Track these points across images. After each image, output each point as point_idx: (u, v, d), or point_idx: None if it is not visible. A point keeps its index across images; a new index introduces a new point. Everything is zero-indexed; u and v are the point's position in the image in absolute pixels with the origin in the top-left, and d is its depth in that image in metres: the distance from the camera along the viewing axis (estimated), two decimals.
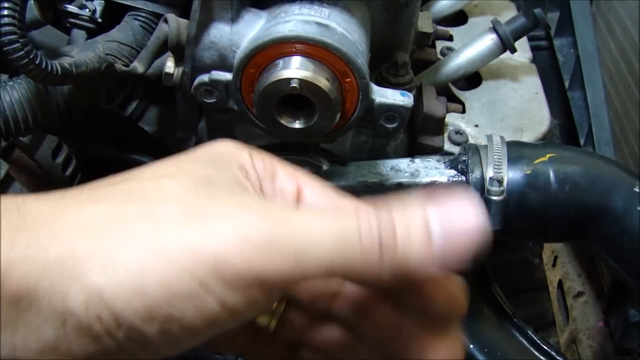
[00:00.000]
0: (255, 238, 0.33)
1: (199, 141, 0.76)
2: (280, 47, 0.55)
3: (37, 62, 0.57)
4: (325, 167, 0.69)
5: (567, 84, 1.24)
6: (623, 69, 1.16)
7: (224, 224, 0.33)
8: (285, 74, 0.54)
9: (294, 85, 0.53)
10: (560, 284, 1.37)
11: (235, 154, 0.39)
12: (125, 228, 0.32)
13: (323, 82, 0.53)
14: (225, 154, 0.39)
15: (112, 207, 0.33)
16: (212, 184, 0.36)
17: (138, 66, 0.69)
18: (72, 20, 0.74)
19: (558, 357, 0.81)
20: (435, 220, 0.34)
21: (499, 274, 0.93)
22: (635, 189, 0.65)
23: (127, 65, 0.70)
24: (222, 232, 0.33)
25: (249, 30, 0.59)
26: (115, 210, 0.33)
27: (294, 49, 0.55)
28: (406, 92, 0.59)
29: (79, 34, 0.74)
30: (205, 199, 0.34)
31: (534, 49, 1.02)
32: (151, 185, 0.35)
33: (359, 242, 0.34)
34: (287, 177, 0.41)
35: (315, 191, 0.40)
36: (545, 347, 0.82)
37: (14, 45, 0.55)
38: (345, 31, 0.56)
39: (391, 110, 0.58)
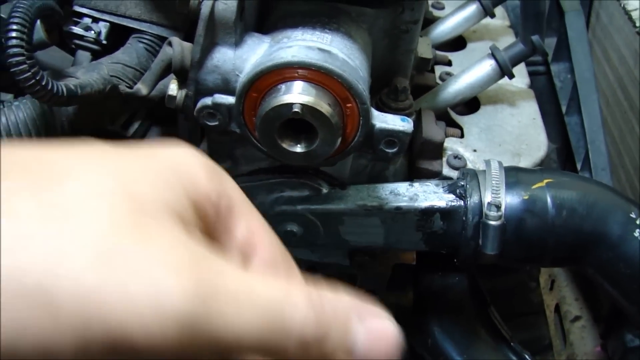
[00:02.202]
0: (173, 318, 0.27)
1: None
2: (282, 72, 0.56)
3: (44, 83, 0.58)
4: (324, 190, 0.69)
5: (564, 108, 1.26)
6: (619, 95, 1.17)
7: (140, 287, 0.27)
8: (288, 98, 0.54)
9: (296, 110, 0.54)
10: (557, 308, 1.37)
11: (192, 175, 0.33)
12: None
13: (325, 108, 0.54)
14: (180, 170, 0.33)
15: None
16: (147, 213, 0.30)
17: (142, 88, 0.70)
18: (77, 41, 0.75)
19: None
20: (361, 334, 0.33)
21: (496, 297, 0.93)
22: (631, 215, 0.65)
23: (130, 87, 0.71)
24: (134, 300, 0.27)
25: (252, 55, 0.60)
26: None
27: (296, 74, 0.55)
28: (406, 117, 0.59)
29: (83, 56, 0.75)
30: (129, 238, 0.28)
31: (531, 74, 1.03)
32: (75, 200, 0.29)
33: (289, 339, 0.30)
34: (245, 225, 0.36)
35: (267, 255, 0.36)
36: None
37: (22, 67, 0.56)
38: (347, 57, 0.57)
39: (391, 135, 0.59)
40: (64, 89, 0.60)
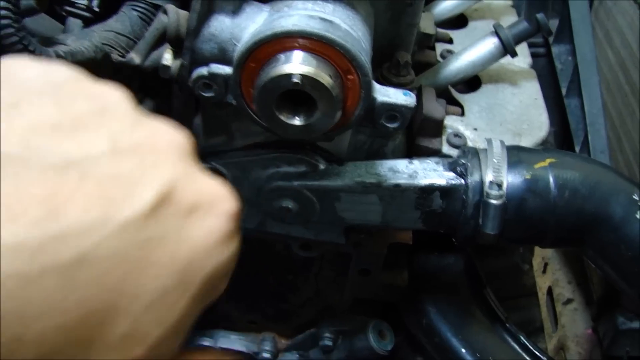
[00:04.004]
0: None
1: (194, 137, 0.75)
2: (282, 42, 0.54)
3: (32, 49, 0.56)
4: (321, 166, 0.68)
5: (564, 91, 1.24)
6: (620, 79, 1.16)
7: None
8: (288, 69, 0.52)
9: (295, 80, 0.52)
10: (550, 291, 1.37)
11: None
12: None
13: (325, 79, 0.52)
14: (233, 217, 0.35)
15: None
16: None
17: (135, 57, 0.67)
18: (68, 8, 0.72)
19: None
20: None
21: (489, 279, 0.93)
22: (634, 197, 0.64)
23: (123, 56, 0.69)
24: None
25: (250, 24, 0.58)
26: None
27: (296, 44, 0.54)
28: (409, 91, 0.58)
29: (74, 23, 0.73)
30: None
31: (531, 55, 1.02)
32: None
33: None
34: None
35: None
36: (537, 353, 0.82)
37: (8, 31, 0.54)
38: (349, 28, 0.55)
39: (393, 109, 0.57)
40: (54, 56, 0.57)
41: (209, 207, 0.33)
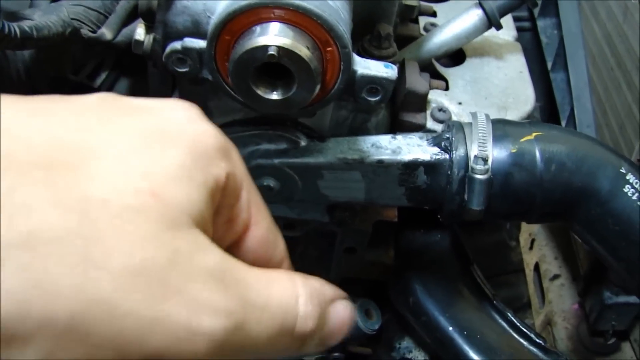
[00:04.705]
0: (205, 338, 0.28)
1: None
2: (257, 13, 0.51)
3: None
4: (303, 143, 0.66)
5: (550, 65, 1.23)
6: (606, 52, 1.15)
7: (174, 308, 0.28)
8: (263, 40, 0.50)
9: (271, 52, 0.50)
10: (537, 267, 1.37)
11: (210, 159, 0.32)
12: None
13: (303, 51, 0.50)
14: (199, 154, 0.31)
15: None
16: (174, 222, 0.29)
17: (106, 32, 0.65)
18: None
19: (538, 340, 0.80)
20: (332, 319, 0.37)
21: (476, 256, 0.92)
22: (621, 170, 0.63)
23: (94, 32, 0.66)
24: (167, 323, 0.27)
25: None
26: None
27: (272, 15, 0.51)
28: (390, 64, 0.56)
29: None
30: (159, 254, 0.28)
31: (517, 30, 1.00)
32: (97, 206, 0.27)
33: (294, 333, 0.34)
34: (245, 204, 0.36)
35: (260, 234, 0.37)
36: (525, 330, 0.81)
37: None
38: None
39: (374, 82, 0.55)
40: (17, 31, 0.55)
41: None
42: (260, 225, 0.37)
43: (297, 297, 0.34)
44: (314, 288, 0.36)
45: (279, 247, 0.39)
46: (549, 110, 1.33)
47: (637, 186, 0.63)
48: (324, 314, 0.36)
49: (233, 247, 0.37)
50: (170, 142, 0.31)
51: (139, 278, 0.27)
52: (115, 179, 0.28)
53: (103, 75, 0.79)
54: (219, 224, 0.34)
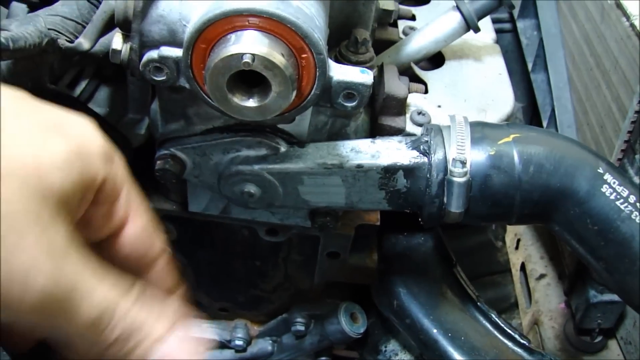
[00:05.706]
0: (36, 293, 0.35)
1: (151, 123, 0.72)
2: (232, 21, 0.52)
3: None
4: (282, 149, 0.66)
5: (530, 66, 1.24)
6: (585, 52, 1.16)
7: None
8: (237, 49, 0.50)
9: (246, 60, 0.50)
10: (523, 267, 1.38)
11: (92, 160, 0.39)
12: None
13: (278, 58, 0.50)
14: (84, 154, 0.38)
15: None
16: (47, 205, 0.36)
17: (83, 42, 0.65)
18: None
19: (522, 340, 0.81)
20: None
21: (462, 257, 0.92)
22: (599, 170, 0.63)
23: (71, 42, 0.66)
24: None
25: (199, 3, 0.55)
26: None
27: (247, 23, 0.51)
28: (366, 69, 0.56)
29: (19, 8, 0.69)
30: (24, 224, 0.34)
31: (497, 31, 1.01)
32: None
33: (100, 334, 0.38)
34: (124, 203, 0.43)
35: (135, 230, 0.43)
36: (509, 331, 0.82)
37: None
38: (301, 4, 0.53)
39: (350, 88, 0.55)
40: None
41: None
42: (136, 222, 0.44)
43: (117, 304, 0.38)
44: (147, 299, 0.40)
45: (156, 244, 0.45)
46: (531, 110, 1.34)
47: (614, 186, 0.63)
48: (141, 336, 0.39)
49: (112, 237, 0.43)
50: (63, 138, 0.38)
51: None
52: (9, 151, 0.35)
53: (83, 84, 0.78)
54: (98, 215, 0.42)
